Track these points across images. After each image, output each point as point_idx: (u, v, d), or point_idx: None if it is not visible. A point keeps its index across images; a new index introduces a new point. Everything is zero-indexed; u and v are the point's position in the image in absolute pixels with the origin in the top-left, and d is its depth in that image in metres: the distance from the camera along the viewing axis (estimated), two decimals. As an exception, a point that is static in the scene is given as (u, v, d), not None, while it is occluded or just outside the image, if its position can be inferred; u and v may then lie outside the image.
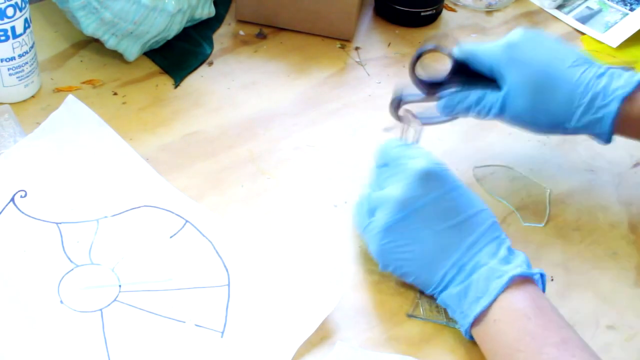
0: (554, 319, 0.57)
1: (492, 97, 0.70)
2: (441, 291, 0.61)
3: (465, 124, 0.82)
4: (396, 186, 0.62)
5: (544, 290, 0.61)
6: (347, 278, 0.67)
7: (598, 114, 0.67)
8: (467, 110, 0.71)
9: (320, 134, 0.80)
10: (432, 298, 0.63)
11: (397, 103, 0.72)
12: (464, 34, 0.94)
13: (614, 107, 0.67)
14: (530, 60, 0.69)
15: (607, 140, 0.69)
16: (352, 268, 0.68)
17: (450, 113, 0.72)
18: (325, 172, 0.76)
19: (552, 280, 0.68)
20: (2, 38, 0.73)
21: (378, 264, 0.64)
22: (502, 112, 0.70)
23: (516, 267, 0.59)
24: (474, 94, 0.70)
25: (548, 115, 0.69)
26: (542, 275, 0.61)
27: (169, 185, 0.72)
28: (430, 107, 0.72)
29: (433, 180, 0.62)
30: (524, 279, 0.59)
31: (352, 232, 0.71)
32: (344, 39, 0.91)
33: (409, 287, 0.67)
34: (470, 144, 0.80)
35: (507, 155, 0.79)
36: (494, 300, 0.58)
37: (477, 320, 0.59)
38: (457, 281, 0.60)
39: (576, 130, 0.69)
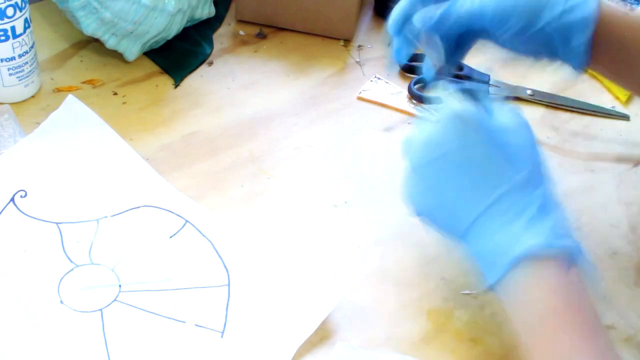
0: (578, 297, 0.52)
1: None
2: (465, 243, 0.56)
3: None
4: (424, 129, 0.58)
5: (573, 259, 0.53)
6: (347, 278, 0.67)
7: (574, 14, 0.61)
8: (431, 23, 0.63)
9: (320, 134, 0.80)
10: None
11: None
12: (464, 34, 0.94)
13: (592, 6, 0.60)
14: None
15: (582, 60, 0.62)
16: (352, 268, 0.68)
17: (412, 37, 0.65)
18: (325, 172, 0.76)
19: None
20: (2, 38, 0.73)
21: (410, 211, 0.60)
22: (470, 18, 0.62)
23: (539, 235, 0.52)
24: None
25: (516, 9, 0.61)
26: (573, 247, 0.53)
27: (169, 185, 0.72)
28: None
29: (462, 126, 0.57)
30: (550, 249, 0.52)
31: (352, 232, 0.71)
32: (344, 39, 0.91)
33: (410, 287, 0.67)
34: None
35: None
36: (510, 269, 0.52)
37: (498, 283, 0.54)
38: (475, 237, 0.55)
39: (547, 40, 0.62)
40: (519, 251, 0.52)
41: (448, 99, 0.59)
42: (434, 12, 0.63)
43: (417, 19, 0.63)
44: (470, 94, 0.61)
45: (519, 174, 0.55)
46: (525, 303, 0.53)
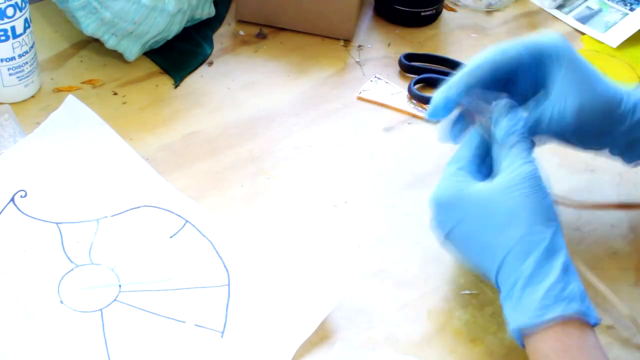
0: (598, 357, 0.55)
1: (544, 107, 0.64)
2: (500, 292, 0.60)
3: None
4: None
5: (595, 323, 0.57)
6: (347, 278, 0.67)
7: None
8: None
9: (320, 134, 0.80)
10: None
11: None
12: (464, 34, 0.94)
13: None
14: (578, 59, 0.64)
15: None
16: (352, 268, 0.68)
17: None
18: (325, 172, 0.76)
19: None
20: (2, 38, 0.73)
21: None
22: (551, 123, 0.64)
23: (563, 307, 0.55)
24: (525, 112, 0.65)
25: (596, 117, 0.64)
26: (594, 316, 0.56)
27: (169, 185, 0.72)
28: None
29: (448, 209, 0.62)
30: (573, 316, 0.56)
31: (352, 232, 0.71)
32: (344, 39, 0.91)
33: (410, 287, 0.67)
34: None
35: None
36: (535, 332, 0.56)
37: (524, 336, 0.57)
38: (505, 293, 0.58)
39: (612, 143, 0.66)
40: (542, 320, 0.55)
41: (441, 181, 0.63)
42: (517, 122, 0.63)
43: (501, 131, 0.63)
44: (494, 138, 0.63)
45: (519, 231, 0.58)
46: (543, 355, 0.55)
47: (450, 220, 0.61)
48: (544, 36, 0.65)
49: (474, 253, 0.61)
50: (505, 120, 0.62)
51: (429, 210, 0.63)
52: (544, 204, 0.59)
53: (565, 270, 0.57)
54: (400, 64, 0.87)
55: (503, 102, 0.63)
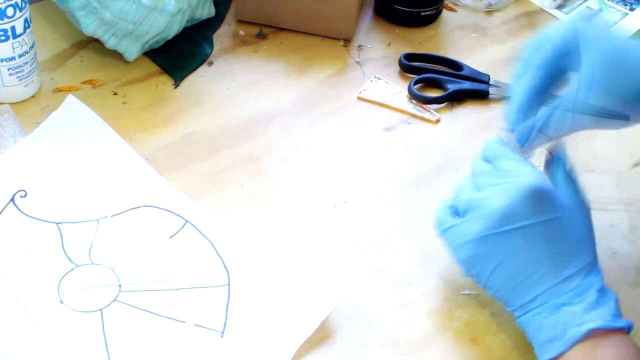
0: None
1: (565, 95, 0.61)
2: (521, 314, 0.59)
3: (466, 123, 0.82)
4: (500, 196, 0.58)
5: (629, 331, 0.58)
6: (347, 278, 0.67)
7: None
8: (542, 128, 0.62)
9: (320, 134, 0.80)
10: None
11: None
12: (464, 34, 0.94)
13: None
14: (605, 35, 0.60)
15: None
16: (352, 268, 0.68)
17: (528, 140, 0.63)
18: (325, 172, 0.76)
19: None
20: (2, 38, 0.73)
21: (460, 268, 0.62)
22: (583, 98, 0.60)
23: (599, 318, 0.56)
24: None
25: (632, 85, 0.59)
26: (628, 327, 0.57)
27: (169, 185, 0.72)
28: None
29: (542, 201, 0.58)
30: (609, 329, 0.56)
31: (352, 232, 0.71)
32: (344, 39, 0.91)
33: (410, 287, 0.67)
34: (471, 143, 0.80)
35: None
36: (571, 346, 0.56)
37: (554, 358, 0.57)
38: (537, 312, 0.58)
39: None
40: (581, 332, 0.56)
41: (528, 171, 0.60)
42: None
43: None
44: (550, 164, 0.63)
45: (587, 256, 0.59)
46: None
47: (519, 221, 0.58)
48: (559, 28, 0.61)
49: (521, 259, 0.59)
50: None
51: (433, 211, 0.63)
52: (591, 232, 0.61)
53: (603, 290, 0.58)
54: (400, 64, 0.87)
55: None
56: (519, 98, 0.62)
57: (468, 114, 0.84)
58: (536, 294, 0.58)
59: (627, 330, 0.57)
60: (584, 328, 0.56)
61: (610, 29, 0.60)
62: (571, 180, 0.62)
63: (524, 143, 0.62)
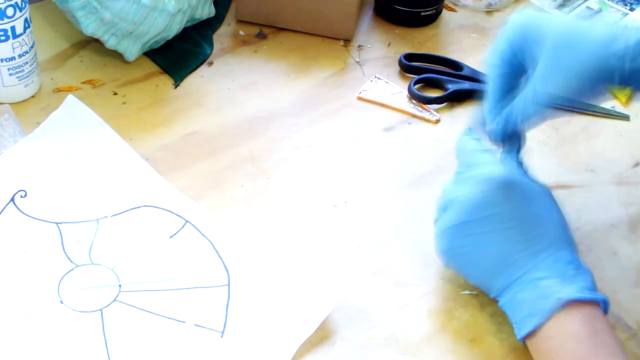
0: (607, 343, 0.56)
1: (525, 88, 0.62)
2: (501, 296, 0.61)
3: (466, 123, 0.82)
4: (471, 189, 0.62)
5: (605, 311, 0.59)
6: (347, 278, 0.67)
7: None
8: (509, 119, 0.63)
9: (320, 134, 0.80)
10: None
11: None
12: (464, 34, 0.94)
13: None
14: (552, 26, 0.60)
15: None
16: (352, 268, 0.68)
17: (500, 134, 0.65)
18: (325, 172, 0.76)
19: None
20: (2, 38, 0.73)
21: (441, 260, 0.65)
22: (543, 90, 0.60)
23: (574, 291, 0.57)
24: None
25: (589, 64, 0.58)
26: (603, 301, 0.59)
27: (169, 185, 0.72)
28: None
29: (509, 189, 0.62)
30: (584, 301, 0.58)
31: (352, 232, 0.71)
32: (344, 39, 0.91)
33: (410, 287, 0.67)
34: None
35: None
36: (547, 319, 0.57)
37: (531, 333, 0.58)
38: (514, 291, 0.60)
39: (630, 76, 0.57)
40: (555, 304, 0.57)
41: (493, 162, 0.64)
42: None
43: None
44: (505, 155, 0.66)
45: (558, 232, 0.61)
46: (559, 349, 0.57)
47: (484, 212, 0.62)
48: (509, 26, 0.63)
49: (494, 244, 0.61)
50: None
51: (432, 211, 0.65)
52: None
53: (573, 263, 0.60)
54: (400, 64, 0.87)
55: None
56: (489, 100, 0.64)
57: (468, 114, 0.84)
58: (514, 274, 0.60)
59: (602, 305, 0.58)
60: (559, 300, 0.57)
61: (558, 15, 0.61)
62: (523, 169, 0.66)
63: (497, 139, 0.64)
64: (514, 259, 0.60)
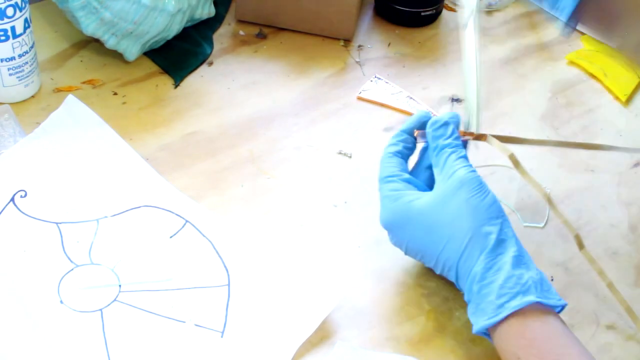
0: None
1: None
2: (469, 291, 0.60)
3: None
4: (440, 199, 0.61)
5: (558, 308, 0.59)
6: (347, 278, 0.67)
7: None
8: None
9: (320, 134, 0.80)
10: None
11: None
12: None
13: None
14: None
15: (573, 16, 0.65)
16: (352, 268, 0.68)
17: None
18: (325, 172, 0.76)
19: (552, 280, 0.68)
20: (2, 38, 0.73)
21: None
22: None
23: (540, 294, 0.57)
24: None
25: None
26: (562, 307, 0.58)
27: (169, 185, 0.72)
28: None
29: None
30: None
31: (352, 232, 0.71)
32: (344, 39, 0.91)
33: (410, 287, 0.67)
34: (470, 144, 0.79)
35: (507, 155, 0.78)
36: (507, 316, 0.57)
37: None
38: (466, 297, 0.60)
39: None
40: (522, 303, 0.57)
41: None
42: (447, 132, 0.65)
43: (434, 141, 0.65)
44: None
45: (491, 231, 0.59)
46: (511, 353, 0.57)
47: (403, 238, 0.63)
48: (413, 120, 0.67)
49: (434, 265, 0.62)
50: (437, 131, 0.64)
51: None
52: (484, 204, 0.60)
53: (517, 263, 0.58)
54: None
55: (434, 118, 0.65)
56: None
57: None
58: (474, 268, 0.59)
59: (559, 309, 0.58)
60: (526, 300, 0.56)
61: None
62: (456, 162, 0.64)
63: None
64: (459, 261, 0.60)
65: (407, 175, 0.64)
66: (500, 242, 0.59)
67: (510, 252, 0.59)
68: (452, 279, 0.61)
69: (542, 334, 0.56)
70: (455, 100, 0.85)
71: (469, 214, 0.59)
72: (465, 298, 0.60)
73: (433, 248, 0.61)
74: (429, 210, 0.61)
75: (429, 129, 0.65)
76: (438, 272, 0.62)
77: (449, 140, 0.63)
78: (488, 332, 0.59)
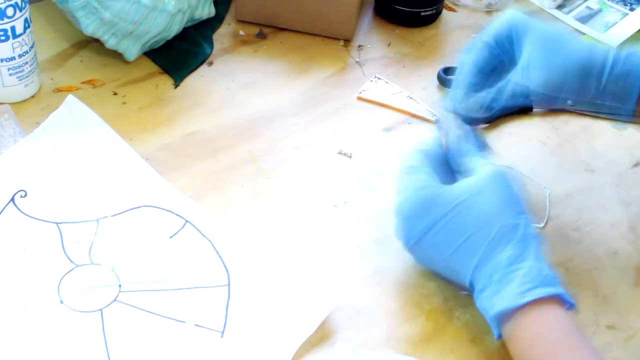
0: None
1: (512, 75, 0.67)
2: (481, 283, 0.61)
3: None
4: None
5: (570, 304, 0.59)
6: (347, 278, 0.67)
7: (627, 66, 0.65)
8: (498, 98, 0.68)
9: (320, 134, 0.80)
10: None
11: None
12: (464, 34, 0.94)
13: None
14: (539, 25, 0.67)
15: (633, 108, 0.67)
16: (352, 268, 0.68)
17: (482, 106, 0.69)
18: (325, 172, 0.76)
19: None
20: (2, 38, 0.73)
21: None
22: (525, 84, 0.67)
23: (558, 288, 0.58)
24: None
25: (570, 68, 0.65)
26: (571, 305, 0.59)
27: (169, 185, 0.72)
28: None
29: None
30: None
31: (352, 232, 0.71)
32: (344, 39, 0.91)
33: (410, 287, 0.67)
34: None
35: (507, 156, 0.79)
36: (524, 304, 0.58)
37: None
38: (482, 285, 0.60)
39: (604, 92, 0.66)
40: (543, 293, 0.57)
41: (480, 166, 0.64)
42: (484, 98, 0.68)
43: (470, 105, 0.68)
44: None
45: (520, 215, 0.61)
46: (526, 345, 0.58)
47: (421, 226, 0.62)
48: (500, 19, 0.68)
49: (446, 256, 0.62)
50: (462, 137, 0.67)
51: (395, 219, 0.64)
52: (513, 198, 0.62)
53: (538, 257, 0.60)
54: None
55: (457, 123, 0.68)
56: (465, 77, 0.68)
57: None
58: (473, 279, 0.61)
59: (568, 307, 0.59)
60: (549, 290, 0.57)
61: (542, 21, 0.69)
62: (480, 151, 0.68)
63: (481, 108, 0.68)
64: (485, 250, 0.61)
65: (429, 170, 0.65)
66: (526, 236, 0.60)
67: (533, 246, 0.60)
68: (468, 271, 0.61)
69: (558, 326, 0.57)
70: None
71: (501, 205, 0.61)
72: (479, 289, 0.60)
73: (457, 235, 0.61)
74: (458, 198, 0.62)
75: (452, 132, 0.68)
76: (446, 266, 0.62)
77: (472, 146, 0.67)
78: (500, 322, 0.59)
